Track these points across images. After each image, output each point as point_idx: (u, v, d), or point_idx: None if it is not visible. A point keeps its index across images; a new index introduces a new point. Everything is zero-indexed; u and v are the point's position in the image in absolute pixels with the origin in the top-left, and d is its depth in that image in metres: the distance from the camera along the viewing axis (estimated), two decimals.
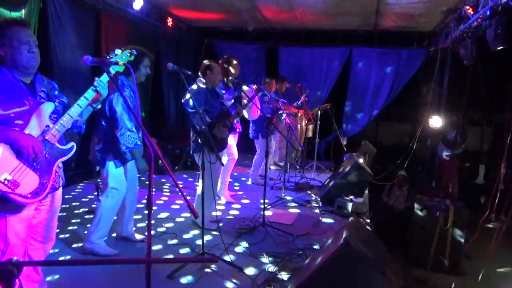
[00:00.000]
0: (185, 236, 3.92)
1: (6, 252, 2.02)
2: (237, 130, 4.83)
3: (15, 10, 4.38)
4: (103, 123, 3.24)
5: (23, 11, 4.48)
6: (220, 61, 4.73)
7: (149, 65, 3.33)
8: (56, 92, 2.35)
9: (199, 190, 4.06)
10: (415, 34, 8.16)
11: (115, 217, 3.53)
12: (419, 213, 5.36)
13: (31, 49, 2.09)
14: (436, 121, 7.12)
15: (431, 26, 7.48)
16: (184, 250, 3.61)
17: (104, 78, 2.26)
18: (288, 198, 5.30)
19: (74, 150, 2.25)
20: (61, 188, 2.34)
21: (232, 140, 4.95)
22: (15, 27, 2.06)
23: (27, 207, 2.08)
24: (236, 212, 4.76)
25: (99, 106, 2.40)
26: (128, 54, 2.39)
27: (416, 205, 5.46)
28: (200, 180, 4.04)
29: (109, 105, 3.14)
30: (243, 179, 6.36)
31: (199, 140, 3.74)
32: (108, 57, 2.33)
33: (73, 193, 5.28)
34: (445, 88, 7.97)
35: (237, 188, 5.92)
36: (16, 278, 0.98)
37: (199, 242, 3.48)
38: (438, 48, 7.68)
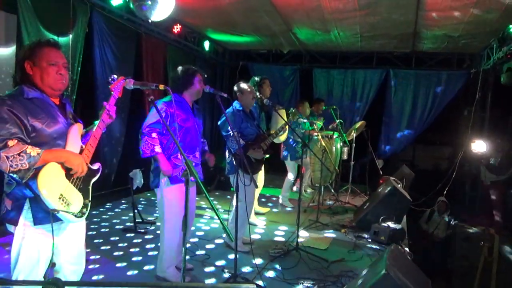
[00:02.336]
0: (218, 258, 3.89)
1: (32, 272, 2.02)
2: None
3: (62, 35, 4.63)
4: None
5: (70, 36, 4.73)
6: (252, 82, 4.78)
7: (202, 80, 3.28)
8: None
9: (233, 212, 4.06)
10: (455, 55, 7.94)
11: None
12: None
13: (59, 71, 2.07)
14: (479, 146, 6.81)
15: (472, 47, 7.27)
16: (216, 272, 3.58)
17: (112, 101, 2.28)
18: (322, 221, 5.18)
19: (101, 171, 2.26)
20: None
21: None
22: (46, 48, 2.06)
23: (64, 229, 2.11)
24: (269, 235, 4.69)
25: (104, 129, 2.32)
26: (124, 81, 2.36)
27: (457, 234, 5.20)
28: (234, 202, 4.04)
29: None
30: (274, 199, 6.31)
31: (234, 162, 3.74)
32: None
33: (110, 211, 5.42)
34: (488, 111, 7.67)
35: (270, 208, 5.87)
36: None
37: (224, 263, 3.45)
38: (479, 69, 7.44)
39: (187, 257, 3.47)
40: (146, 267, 3.59)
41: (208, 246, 4.24)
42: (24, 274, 2.02)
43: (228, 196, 6.35)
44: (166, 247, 3.21)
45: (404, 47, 7.64)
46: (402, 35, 6.70)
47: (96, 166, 2.24)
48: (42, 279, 2.06)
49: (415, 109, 8.42)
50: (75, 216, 1.99)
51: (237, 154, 3.55)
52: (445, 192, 6.88)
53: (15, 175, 1.86)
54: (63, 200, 1.92)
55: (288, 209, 5.92)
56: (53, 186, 1.91)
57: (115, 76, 2.34)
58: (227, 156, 4.06)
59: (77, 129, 2.16)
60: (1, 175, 1.95)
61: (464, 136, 7.49)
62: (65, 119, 2.14)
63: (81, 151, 2.13)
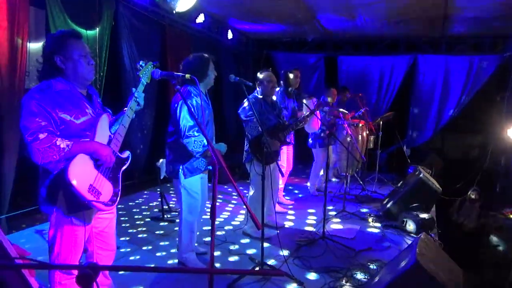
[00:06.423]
0: (244, 246, 3.92)
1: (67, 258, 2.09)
2: (290, 142, 4.73)
3: (90, 28, 4.71)
4: (173, 133, 3.22)
5: (97, 29, 4.81)
6: (281, 72, 4.75)
7: (214, 67, 3.32)
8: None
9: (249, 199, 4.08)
10: (487, 39, 7.62)
11: None
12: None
13: (90, 62, 2.11)
14: None
15: (506, 29, 6.94)
16: (242, 260, 3.61)
17: (141, 88, 2.29)
18: (349, 211, 5.12)
19: (130, 159, 2.30)
20: None
21: (284, 151, 4.93)
22: (74, 40, 2.08)
23: (95, 216, 2.17)
24: (296, 223, 4.68)
25: (133, 116, 2.32)
26: (152, 66, 2.40)
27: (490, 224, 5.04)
28: (251, 190, 4.04)
29: (175, 114, 3.16)
30: (301, 186, 6.29)
31: (250, 150, 3.73)
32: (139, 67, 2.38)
33: (139, 199, 5.53)
34: None
35: (298, 196, 5.87)
36: (94, 281, 1.02)
37: (250, 251, 3.46)
38: None
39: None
40: (173, 250, 3.71)
41: (231, 232, 4.30)
42: (60, 261, 2.09)
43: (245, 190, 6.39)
44: (184, 232, 3.33)
45: (433, 31, 7.38)
46: (431, 18, 6.47)
47: (125, 154, 2.28)
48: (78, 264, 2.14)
49: (445, 95, 8.15)
50: (105, 205, 2.05)
51: (262, 142, 3.52)
52: (476, 180, 6.67)
53: (46, 167, 1.97)
54: (93, 190, 1.97)
55: (316, 197, 5.89)
56: (83, 177, 1.95)
57: (143, 62, 2.37)
58: (245, 143, 4.06)
59: (106, 119, 2.20)
60: (36, 165, 2.03)
61: (496, 123, 7.21)
62: (93, 109, 2.18)
63: (110, 141, 2.16)
